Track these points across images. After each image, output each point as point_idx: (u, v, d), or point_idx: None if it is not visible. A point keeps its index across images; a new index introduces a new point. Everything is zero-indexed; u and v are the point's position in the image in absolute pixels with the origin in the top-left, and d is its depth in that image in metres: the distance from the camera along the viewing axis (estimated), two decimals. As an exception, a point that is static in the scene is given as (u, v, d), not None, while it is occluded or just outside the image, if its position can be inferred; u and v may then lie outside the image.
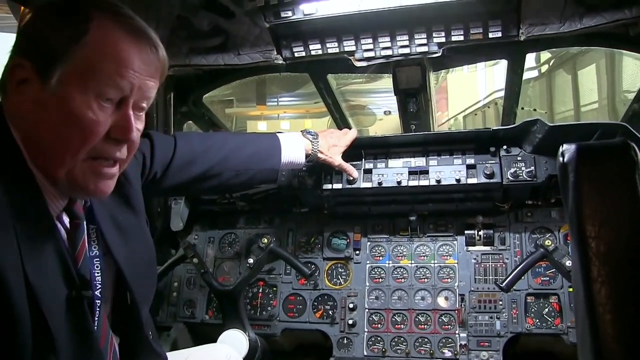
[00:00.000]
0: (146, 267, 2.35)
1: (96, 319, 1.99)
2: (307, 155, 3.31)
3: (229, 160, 3.03)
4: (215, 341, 3.45)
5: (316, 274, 3.82)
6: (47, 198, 1.81)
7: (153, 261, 2.49)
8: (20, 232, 1.64)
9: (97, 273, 2.01)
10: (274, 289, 3.92)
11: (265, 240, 3.49)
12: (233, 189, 3.79)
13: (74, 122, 1.74)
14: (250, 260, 3.48)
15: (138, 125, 1.90)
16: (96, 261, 2.02)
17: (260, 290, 3.94)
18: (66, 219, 1.93)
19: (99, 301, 2.01)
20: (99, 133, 1.78)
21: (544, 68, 10.78)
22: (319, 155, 3.35)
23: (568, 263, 3.06)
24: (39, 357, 1.70)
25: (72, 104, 1.73)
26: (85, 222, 2.00)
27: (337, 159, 3.44)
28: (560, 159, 1.40)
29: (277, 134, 3.28)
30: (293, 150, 3.25)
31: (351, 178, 3.55)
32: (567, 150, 1.39)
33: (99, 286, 2.02)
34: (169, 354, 2.69)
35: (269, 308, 3.87)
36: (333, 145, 3.43)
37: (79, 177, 1.82)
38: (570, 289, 3.40)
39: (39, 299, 1.66)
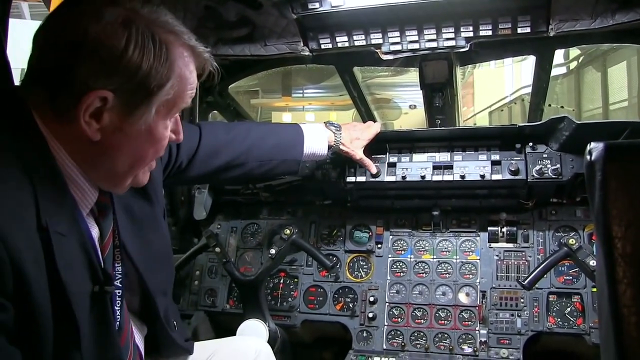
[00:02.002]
0: (161, 258, 2.37)
1: (117, 308, 2.03)
2: (329, 147, 3.31)
3: (252, 151, 3.05)
4: (235, 330, 3.48)
5: (337, 267, 3.82)
6: (81, 195, 1.86)
7: (169, 252, 2.51)
8: (52, 228, 1.66)
9: (118, 263, 2.07)
10: (295, 280, 3.93)
11: (288, 232, 3.50)
12: (255, 179, 3.83)
13: (154, 143, 1.90)
14: (272, 251, 3.50)
15: None
16: (117, 251, 2.07)
17: (282, 281, 3.95)
18: (95, 209, 1.97)
19: (120, 291, 2.05)
20: (166, 145, 1.97)
21: (573, 65, 10.66)
22: (341, 147, 3.35)
23: (592, 263, 3.03)
24: (62, 351, 1.72)
25: (157, 130, 1.87)
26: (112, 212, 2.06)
27: (358, 153, 3.43)
28: (588, 157, 1.38)
29: (300, 125, 3.29)
30: (315, 141, 3.25)
31: (373, 173, 3.56)
32: (595, 148, 1.37)
33: (119, 276, 2.06)
34: (196, 344, 2.70)
35: (290, 299, 3.89)
36: (356, 138, 3.41)
37: (139, 178, 2.00)
38: (594, 289, 3.37)
39: (68, 293, 1.69)
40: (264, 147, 3.10)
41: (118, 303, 2.04)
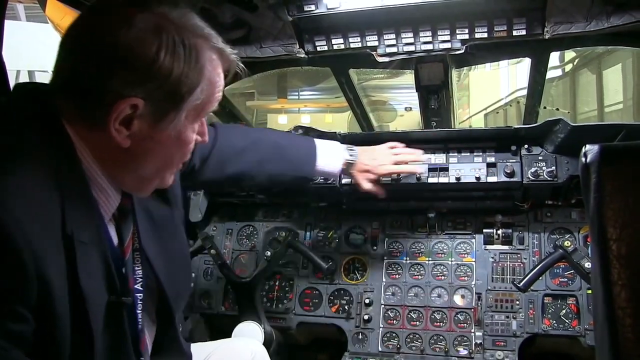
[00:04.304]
0: (180, 263, 2.35)
1: (139, 312, 2.03)
2: (341, 170, 3.23)
3: (264, 165, 2.98)
4: (231, 333, 3.47)
5: (333, 269, 3.81)
6: (104, 199, 1.85)
7: (187, 257, 2.50)
8: (76, 237, 1.64)
9: (138, 267, 2.05)
10: (291, 282, 3.93)
11: (283, 234, 3.52)
12: (262, 188, 3.87)
13: (181, 147, 1.89)
14: (268, 253, 3.50)
15: None
16: (137, 255, 2.05)
17: (277, 283, 3.95)
18: (116, 213, 1.96)
19: (142, 294, 2.04)
20: (192, 148, 1.95)
21: (568, 67, 10.71)
22: (354, 172, 3.26)
23: (587, 265, 3.04)
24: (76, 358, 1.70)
25: (185, 134, 1.85)
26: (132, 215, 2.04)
27: (365, 185, 3.28)
28: (583, 159, 1.39)
29: (315, 140, 3.20)
30: (328, 160, 3.16)
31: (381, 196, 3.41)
32: (590, 150, 1.37)
33: (140, 279, 2.05)
34: (191, 346, 2.70)
35: (285, 301, 3.89)
36: (367, 170, 3.26)
37: (166, 180, 1.99)
38: (589, 291, 3.37)
39: (87, 304, 1.68)
40: (277, 162, 3.03)
41: (140, 306, 2.03)
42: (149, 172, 1.88)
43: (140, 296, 2.04)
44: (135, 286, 2.02)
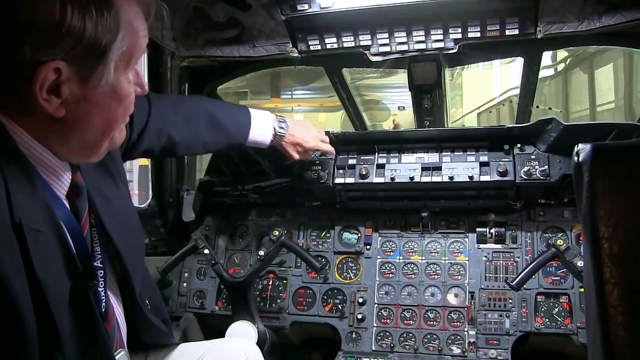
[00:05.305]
0: (133, 235, 2.33)
1: (100, 290, 2.01)
2: (271, 141, 3.33)
3: (199, 135, 3.05)
4: (224, 332, 3.47)
5: (326, 268, 3.81)
6: (55, 179, 1.81)
7: (139, 228, 2.45)
8: (26, 225, 1.59)
9: (96, 243, 2.03)
10: (284, 281, 3.92)
11: (277, 233, 3.50)
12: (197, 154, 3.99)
13: (121, 101, 1.80)
14: (261, 253, 3.49)
15: None
16: (94, 231, 2.03)
17: (271, 283, 3.94)
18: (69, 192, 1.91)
19: (102, 272, 2.02)
20: (133, 100, 1.87)
21: (561, 67, 10.72)
22: (282, 144, 3.37)
23: (579, 263, 3.05)
24: (44, 352, 1.67)
25: (121, 87, 1.77)
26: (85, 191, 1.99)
27: (294, 155, 3.43)
28: (575, 158, 1.39)
29: (250, 110, 3.30)
30: (260, 132, 3.27)
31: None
32: (582, 150, 1.38)
33: (99, 256, 2.03)
34: (185, 345, 2.71)
35: (279, 301, 3.88)
36: (298, 143, 3.40)
37: (116, 140, 1.93)
38: (581, 290, 3.38)
39: (46, 294, 1.64)
40: (212, 130, 3.09)
41: (102, 284, 2.01)
42: (95, 136, 1.81)
43: (101, 273, 2.02)
44: (95, 263, 1.99)
